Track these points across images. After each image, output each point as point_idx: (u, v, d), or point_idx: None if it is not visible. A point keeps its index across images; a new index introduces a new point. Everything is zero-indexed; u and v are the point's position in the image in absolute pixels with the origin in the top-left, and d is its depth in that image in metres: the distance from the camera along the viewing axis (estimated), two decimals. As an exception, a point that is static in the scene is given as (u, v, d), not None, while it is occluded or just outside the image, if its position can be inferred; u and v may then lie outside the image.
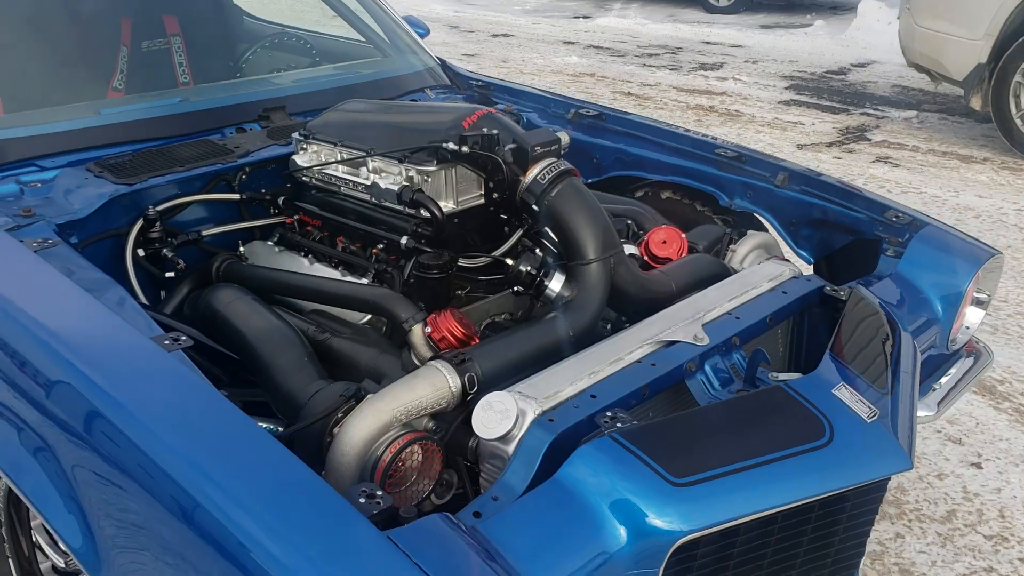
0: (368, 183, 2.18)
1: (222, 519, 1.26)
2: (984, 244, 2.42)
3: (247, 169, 2.47)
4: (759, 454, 1.55)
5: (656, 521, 1.43)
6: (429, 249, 2.08)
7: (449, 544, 1.27)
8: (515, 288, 2.00)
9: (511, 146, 2.02)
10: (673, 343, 1.84)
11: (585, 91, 8.17)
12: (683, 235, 2.33)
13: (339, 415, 1.64)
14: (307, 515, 1.26)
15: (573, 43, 10.64)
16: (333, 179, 2.31)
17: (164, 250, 2.28)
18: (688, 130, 2.95)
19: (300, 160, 2.38)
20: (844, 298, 2.05)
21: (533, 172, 2.01)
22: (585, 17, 12.54)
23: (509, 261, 2.04)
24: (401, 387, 1.64)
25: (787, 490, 1.54)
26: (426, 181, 2.12)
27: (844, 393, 1.69)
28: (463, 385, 1.68)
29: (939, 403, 2.25)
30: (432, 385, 1.65)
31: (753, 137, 6.73)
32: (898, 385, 1.79)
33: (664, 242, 2.31)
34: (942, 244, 2.34)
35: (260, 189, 2.50)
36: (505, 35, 11.19)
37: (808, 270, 2.74)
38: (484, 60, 9.60)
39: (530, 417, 1.59)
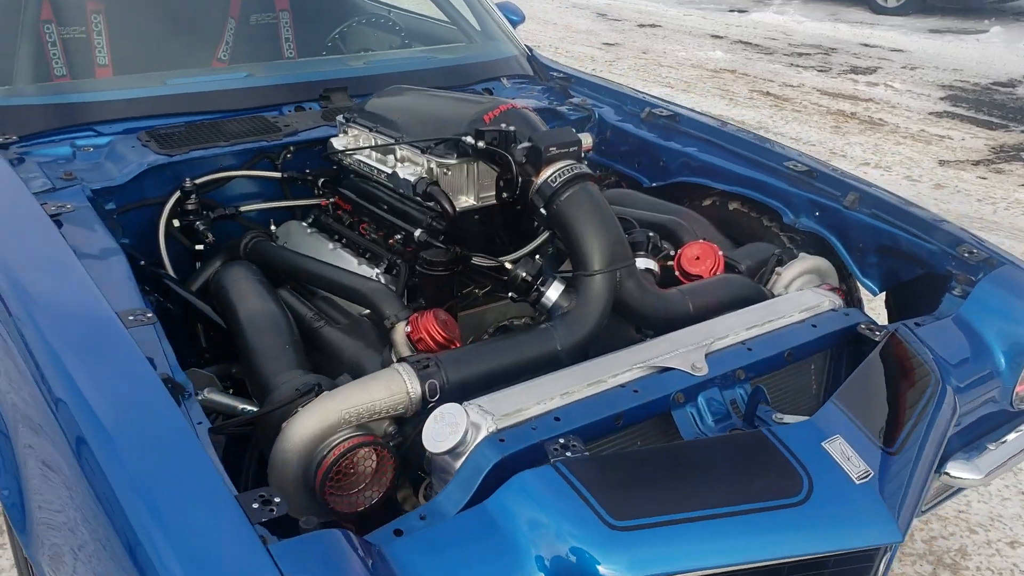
0: (390, 172, 2.13)
1: (120, 497, 1.25)
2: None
3: (291, 148, 2.47)
4: (719, 504, 1.41)
5: (582, 565, 1.32)
6: (440, 244, 2.01)
7: (333, 562, 1.20)
8: (510, 294, 1.91)
9: (526, 144, 1.92)
10: (667, 370, 1.71)
11: (721, 88, 7.88)
12: (719, 252, 2.17)
13: (297, 410, 1.60)
14: (193, 512, 1.22)
15: (721, 37, 10.28)
16: (364, 165, 2.27)
17: (197, 222, 2.31)
18: (765, 139, 2.75)
19: (337, 143, 2.35)
20: (877, 339, 1.84)
21: (545, 174, 1.90)
22: (740, 11, 12.10)
23: (508, 265, 1.95)
24: (355, 387, 1.58)
25: (744, 549, 1.39)
26: (446, 174, 2.05)
27: (836, 447, 1.51)
28: (423, 392, 1.60)
29: (991, 469, 2.00)
30: (388, 388, 1.59)
31: (891, 150, 6.30)
32: (913, 445, 1.59)
33: (697, 258, 2.15)
34: (1017, 287, 2.08)
35: (304, 169, 2.50)
36: (652, 25, 10.94)
37: (878, 302, 2.52)
38: (624, 50, 9.42)
39: (482, 434, 1.50)
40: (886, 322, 2.32)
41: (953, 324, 2.04)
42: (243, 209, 2.45)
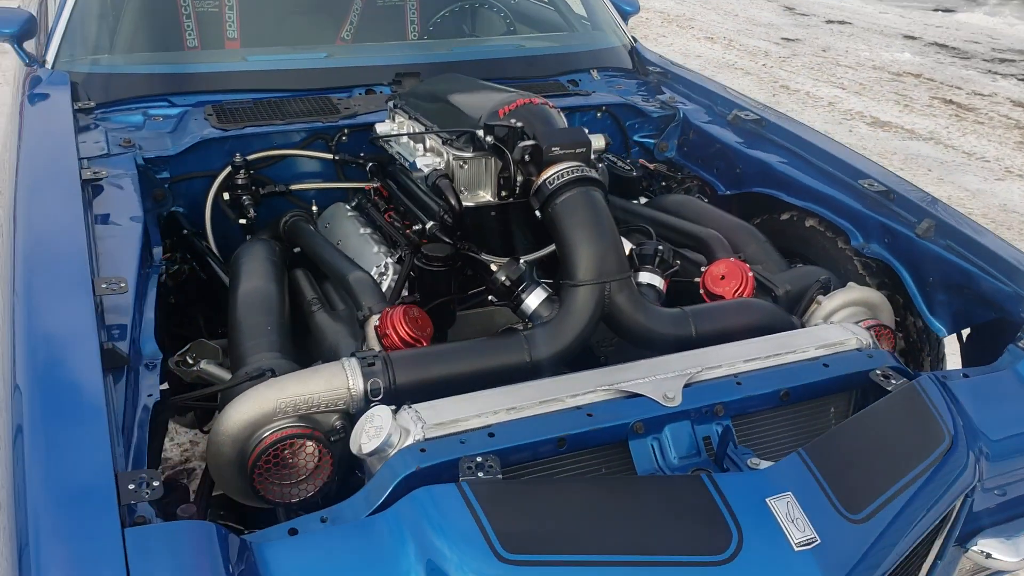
0: (411, 161, 2.10)
1: (16, 462, 1.29)
2: None
3: (345, 131, 2.49)
4: (629, 551, 1.30)
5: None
6: (446, 240, 1.96)
7: (184, 555, 1.19)
8: (490, 298, 1.83)
9: (528, 143, 1.84)
10: (635, 396, 1.59)
11: (898, 93, 7.33)
12: (749, 272, 1.99)
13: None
14: (72, 484, 1.24)
15: (915, 38, 9.56)
16: (398, 152, 2.25)
17: (244, 197, 2.37)
18: (850, 153, 2.51)
19: (380, 128, 2.34)
20: (890, 388, 1.64)
21: (545, 175, 1.81)
22: (946, 11, 11.20)
23: (494, 267, 1.86)
24: (295, 378, 1.57)
25: (648, 604, 1.27)
26: (462, 167, 1.99)
27: (782, 505, 1.36)
28: (365, 390, 1.56)
29: (1032, 549, 1.74)
30: (328, 383, 1.56)
31: (1075, 173, 5.65)
32: (887, 514, 1.40)
33: (723, 277, 1.99)
34: (1092, 348, 1.80)
35: (359, 153, 2.51)
36: (841, 22, 10.32)
37: (950, 345, 2.25)
38: (802, 47, 8.93)
39: (408, 441, 1.45)
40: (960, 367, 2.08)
41: (1004, 378, 1.78)
42: (293, 188, 2.49)
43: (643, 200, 2.68)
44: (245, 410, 1.53)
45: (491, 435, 1.46)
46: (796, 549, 1.31)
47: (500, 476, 1.37)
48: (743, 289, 1.97)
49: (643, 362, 1.69)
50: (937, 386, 1.68)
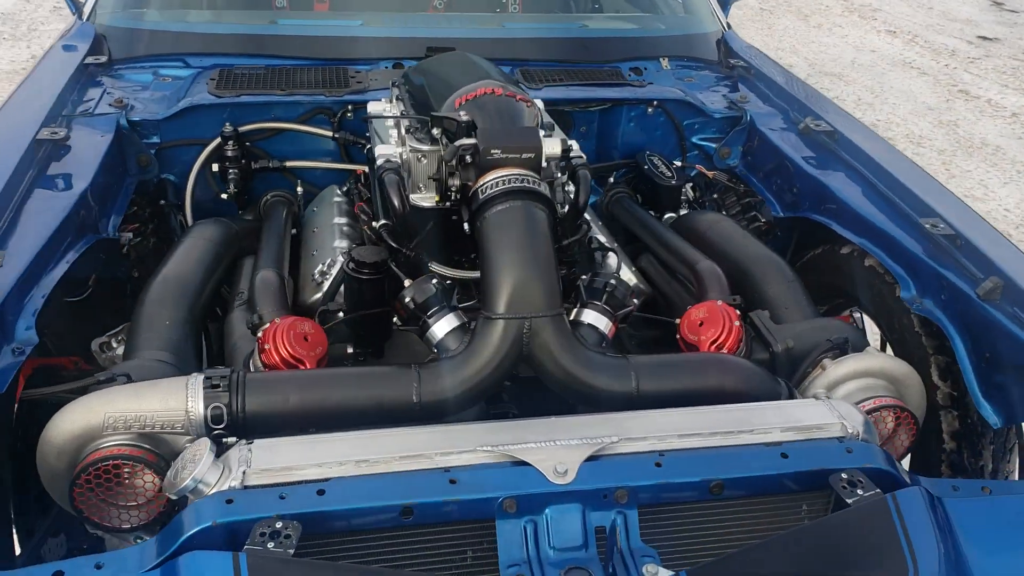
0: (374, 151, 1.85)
1: None
2: None
3: (351, 108, 2.27)
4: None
5: None
6: (391, 242, 1.71)
7: None
8: (395, 319, 1.56)
9: (469, 141, 1.55)
10: (522, 464, 1.30)
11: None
12: (736, 321, 1.63)
13: None
14: None
15: None
16: (378, 136, 2.01)
17: (231, 170, 2.21)
18: (928, 179, 2.07)
19: (371, 108, 2.10)
20: (849, 500, 1.26)
21: (481, 181, 1.52)
22: None
23: (408, 282, 1.57)
24: (130, 391, 1.37)
25: None
26: (420, 162, 1.73)
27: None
28: (205, 415, 1.35)
29: None
30: (164, 401, 1.35)
31: None
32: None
33: (701, 324, 1.64)
34: None
35: (366, 133, 2.30)
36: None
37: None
38: (1000, 47, 7.95)
39: (226, 484, 1.23)
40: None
41: (1007, 499, 1.36)
42: (288, 165, 2.31)
43: (679, 213, 2.33)
44: (68, 419, 1.35)
45: (321, 492, 1.22)
46: None
47: (292, 552, 1.12)
48: (724, 339, 1.61)
49: (551, 420, 1.40)
50: (925, 505, 1.29)
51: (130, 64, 2.42)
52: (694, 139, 2.53)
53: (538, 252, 1.47)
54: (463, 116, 1.59)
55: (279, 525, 1.16)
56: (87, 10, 2.61)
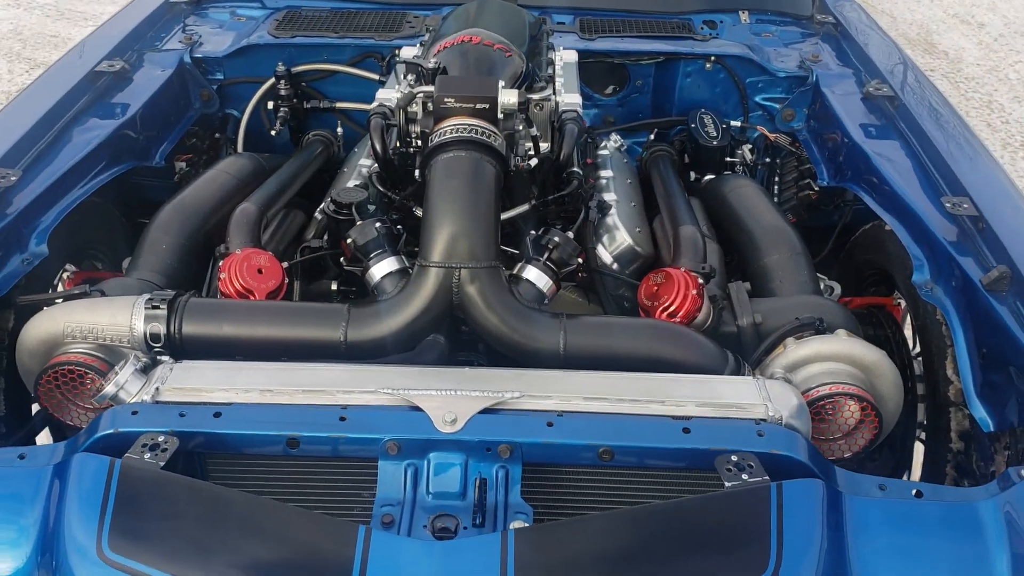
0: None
1: None
2: None
3: (396, 52, 2.31)
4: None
5: (58, 569, 1.15)
6: (380, 187, 1.75)
7: None
8: (341, 259, 1.60)
9: (427, 88, 1.56)
10: (416, 409, 1.33)
11: None
12: (693, 291, 1.56)
13: None
14: None
15: None
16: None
17: (281, 109, 2.33)
18: (977, 154, 1.88)
19: (404, 52, 2.13)
20: (728, 483, 1.20)
21: (436, 128, 1.53)
22: None
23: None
24: (88, 305, 1.50)
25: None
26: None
27: None
28: (144, 332, 1.46)
29: None
30: (112, 317, 1.47)
31: None
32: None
33: (656, 289, 1.58)
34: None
35: None
36: None
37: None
38: None
39: (139, 398, 1.35)
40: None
41: (960, 516, 1.25)
42: (339, 106, 2.39)
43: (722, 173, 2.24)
44: (38, 326, 1.50)
45: (217, 415, 1.31)
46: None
47: (162, 464, 1.21)
48: (679, 306, 1.55)
49: (466, 370, 1.42)
50: (818, 499, 1.21)
51: (213, 4, 2.58)
52: (757, 98, 2.41)
53: (477, 203, 1.47)
54: (431, 63, 1.60)
55: (160, 439, 1.25)
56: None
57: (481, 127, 1.52)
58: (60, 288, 1.86)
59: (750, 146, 2.38)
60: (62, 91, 1.99)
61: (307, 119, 2.39)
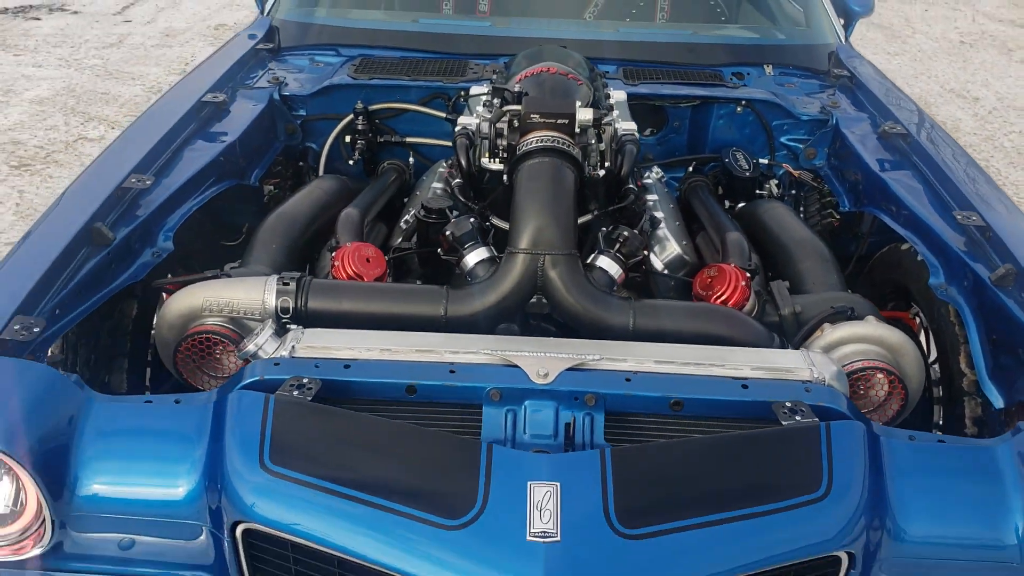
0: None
1: None
2: None
3: (463, 94, 2.61)
4: (377, 494, 1.32)
5: (228, 488, 1.37)
6: (461, 198, 2.02)
7: (30, 387, 1.43)
8: (439, 250, 1.86)
9: (515, 107, 1.83)
10: (513, 366, 1.56)
11: None
12: (742, 283, 1.82)
13: None
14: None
15: None
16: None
17: (359, 142, 2.61)
18: (978, 177, 2.15)
19: (473, 90, 2.42)
20: (784, 422, 1.44)
21: (522, 141, 1.80)
22: None
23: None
24: (225, 283, 1.75)
25: (376, 544, 1.30)
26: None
27: (540, 492, 1.29)
28: (276, 306, 1.71)
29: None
30: (247, 293, 1.72)
31: None
32: (671, 542, 1.28)
33: (710, 281, 1.83)
34: None
35: None
36: None
37: None
38: None
39: (278, 354, 1.58)
40: None
41: (981, 459, 1.47)
42: (409, 140, 2.68)
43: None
44: (177, 299, 1.75)
45: (346, 367, 1.54)
46: (528, 538, 1.24)
47: (309, 399, 1.45)
48: (730, 295, 1.80)
49: (553, 339, 1.65)
50: (861, 439, 1.44)
51: (294, 51, 2.88)
52: (783, 139, 2.69)
53: (559, 200, 1.73)
54: (516, 88, 1.88)
55: (305, 381, 1.48)
56: (267, 7, 3.12)
57: (561, 138, 1.80)
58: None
59: (776, 181, 2.66)
60: (176, 115, 2.27)
61: (380, 152, 2.67)
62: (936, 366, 2.07)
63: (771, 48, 2.96)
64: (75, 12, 7.95)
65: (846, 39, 3.10)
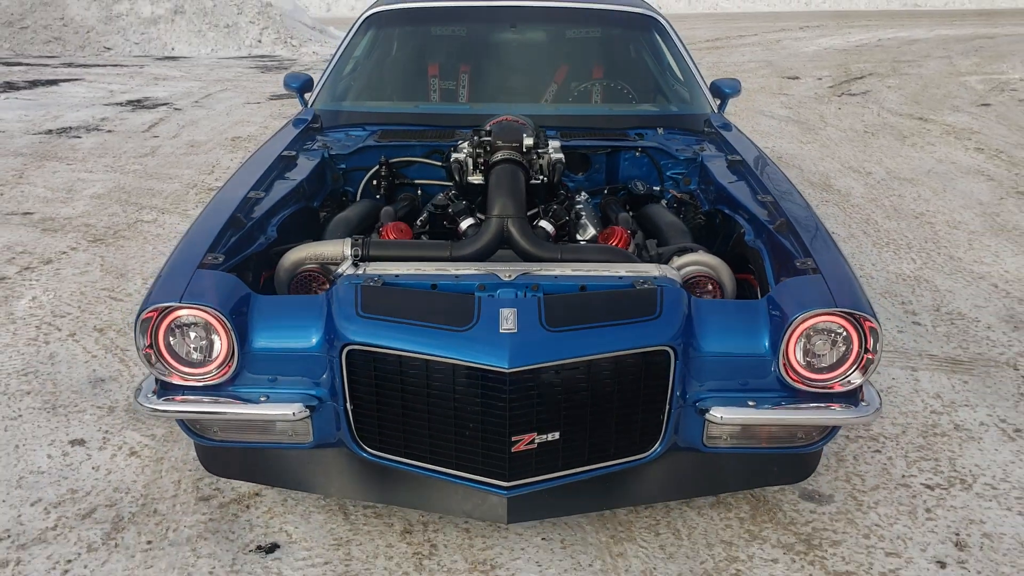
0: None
1: None
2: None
3: (451, 150, 3.88)
4: (422, 319, 2.50)
5: (339, 330, 2.54)
6: (453, 199, 3.27)
7: (221, 287, 2.62)
8: (445, 222, 3.09)
9: (487, 138, 3.12)
10: (492, 274, 2.76)
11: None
12: (626, 236, 3.06)
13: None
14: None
15: None
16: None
17: (382, 185, 3.87)
18: (779, 181, 3.43)
19: (455, 153, 3.69)
20: (635, 285, 2.64)
21: (492, 157, 3.07)
22: None
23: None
24: (317, 244, 2.96)
25: (429, 344, 2.47)
26: (471, 158, 3.30)
27: (507, 312, 2.48)
28: (350, 255, 2.90)
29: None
30: (333, 248, 2.93)
31: None
32: (574, 334, 2.46)
33: (607, 237, 3.08)
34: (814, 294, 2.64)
35: None
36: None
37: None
38: None
39: (357, 272, 2.78)
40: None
41: (743, 307, 2.68)
42: (417, 182, 3.95)
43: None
44: (291, 254, 2.95)
45: (397, 275, 2.74)
46: (500, 331, 2.42)
47: (379, 286, 2.64)
48: (617, 243, 3.04)
49: (515, 264, 2.86)
50: (681, 296, 2.64)
51: (332, 129, 4.18)
52: (668, 173, 3.98)
53: (515, 187, 2.98)
54: (488, 128, 3.16)
55: (376, 279, 2.68)
56: (309, 99, 4.44)
57: (516, 154, 3.06)
58: None
59: (665, 201, 3.93)
60: (267, 163, 3.53)
61: (396, 191, 3.93)
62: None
63: (663, 117, 4.29)
64: (109, 131, 9.32)
65: (719, 110, 4.44)
